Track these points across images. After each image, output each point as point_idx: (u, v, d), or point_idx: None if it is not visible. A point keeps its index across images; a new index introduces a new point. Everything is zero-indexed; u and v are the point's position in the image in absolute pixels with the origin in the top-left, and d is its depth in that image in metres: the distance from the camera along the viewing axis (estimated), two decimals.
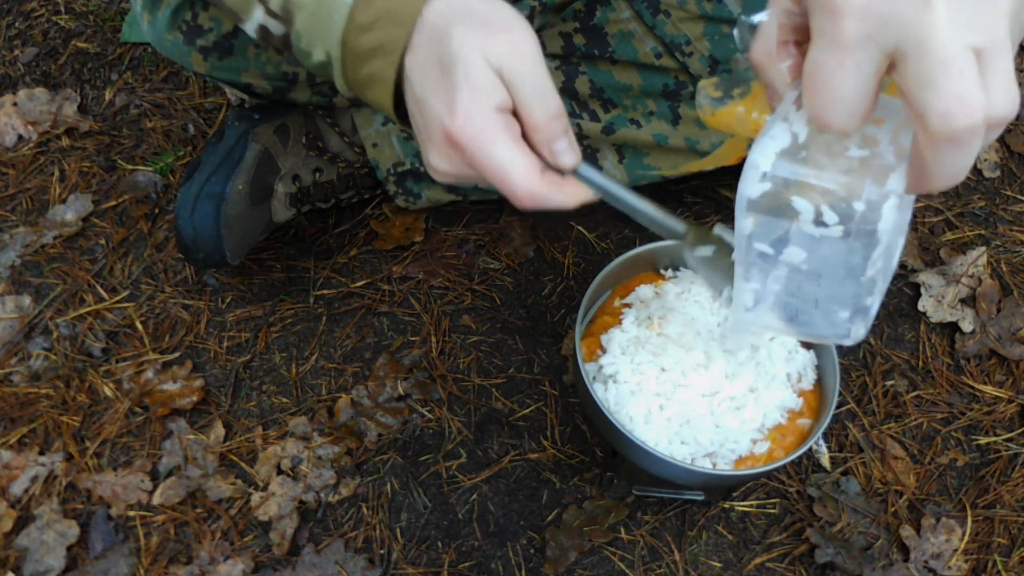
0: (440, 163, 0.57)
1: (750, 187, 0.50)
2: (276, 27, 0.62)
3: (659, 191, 1.17)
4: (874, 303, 0.55)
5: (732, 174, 1.20)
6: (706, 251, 0.66)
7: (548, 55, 0.96)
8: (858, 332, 0.57)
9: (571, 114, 0.97)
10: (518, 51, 0.54)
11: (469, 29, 0.54)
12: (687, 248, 0.66)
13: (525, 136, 0.57)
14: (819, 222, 0.49)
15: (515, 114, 0.56)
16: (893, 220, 0.47)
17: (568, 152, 0.57)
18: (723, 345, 0.77)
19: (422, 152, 0.60)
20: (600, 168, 0.80)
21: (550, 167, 0.57)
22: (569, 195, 0.58)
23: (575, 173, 0.59)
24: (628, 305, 0.82)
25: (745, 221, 0.52)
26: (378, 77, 0.58)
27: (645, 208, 0.61)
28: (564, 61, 0.95)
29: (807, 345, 0.81)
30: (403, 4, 0.56)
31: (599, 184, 0.59)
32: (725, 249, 0.66)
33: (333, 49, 0.59)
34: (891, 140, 0.47)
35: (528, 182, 0.55)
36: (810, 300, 0.56)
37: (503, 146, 0.54)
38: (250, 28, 0.65)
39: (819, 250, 0.51)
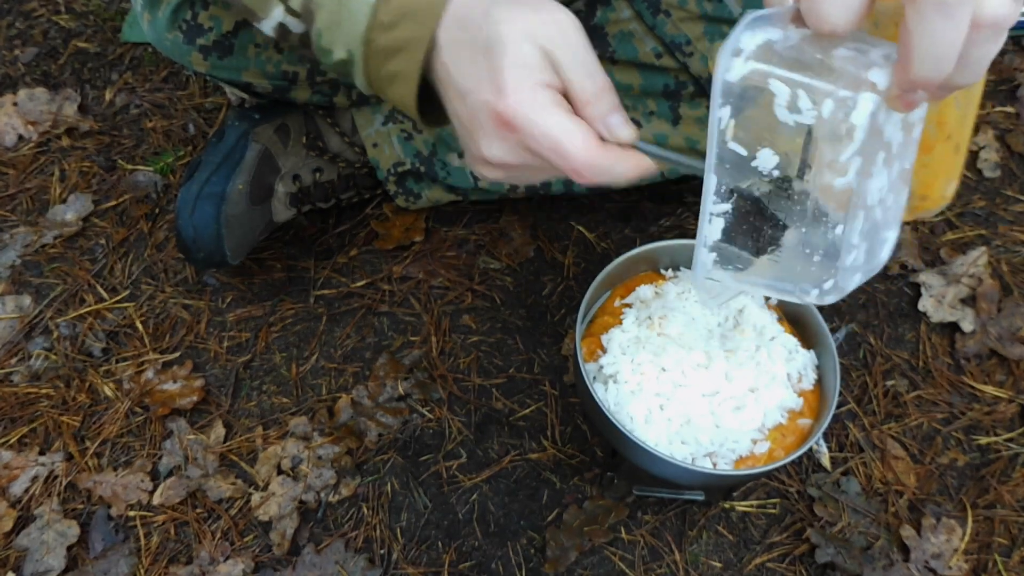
0: (493, 150, 0.55)
1: (729, 70, 0.47)
2: (296, 25, 0.62)
3: (659, 191, 1.17)
4: (849, 246, 0.50)
5: None
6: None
7: None
8: (833, 283, 0.51)
9: None
10: (562, 29, 0.53)
11: (508, 10, 0.53)
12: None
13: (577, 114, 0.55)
14: (793, 107, 0.46)
15: (563, 94, 0.55)
16: (868, 115, 0.44)
17: (624, 126, 0.55)
18: (724, 345, 0.77)
19: (468, 150, 0.58)
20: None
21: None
22: (632, 165, 0.55)
23: (633, 147, 0.56)
24: (628, 305, 0.82)
25: (722, 111, 0.48)
26: (401, 75, 0.57)
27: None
28: None
29: (807, 345, 0.81)
30: (426, 1, 0.55)
31: (660, 154, 0.57)
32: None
33: (355, 47, 0.58)
34: (884, 57, 0.44)
35: (588, 151, 0.53)
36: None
37: (558, 117, 0.53)
38: (267, 26, 0.64)
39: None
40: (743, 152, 0.50)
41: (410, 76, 0.57)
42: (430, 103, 0.61)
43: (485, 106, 0.53)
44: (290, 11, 0.62)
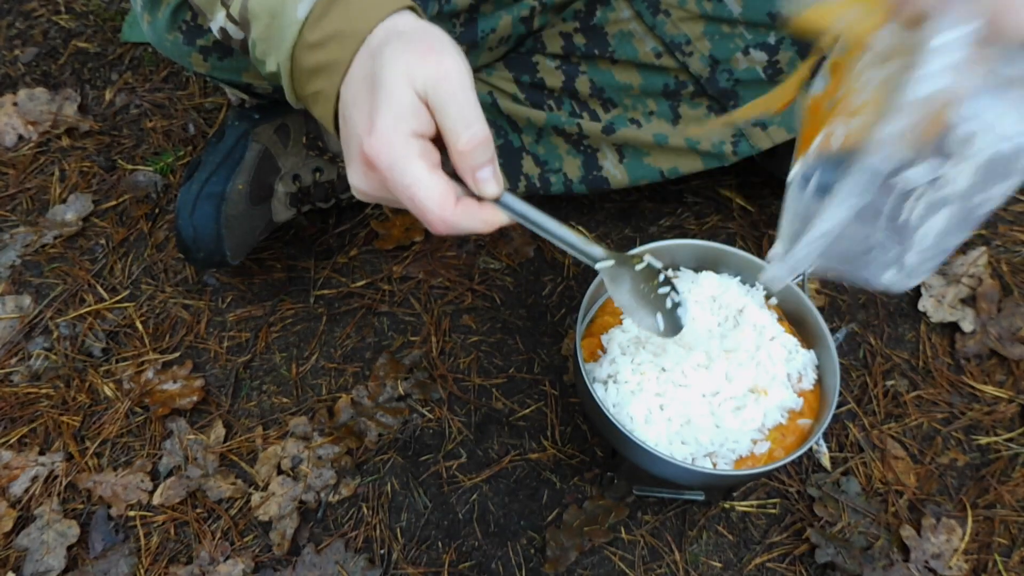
0: (357, 181, 0.57)
1: (926, 80, 0.46)
2: (235, 32, 0.64)
3: (659, 191, 1.17)
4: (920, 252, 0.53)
5: (732, 174, 1.21)
6: (607, 263, 0.65)
7: (549, 55, 0.96)
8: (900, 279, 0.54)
9: (571, 114, 0.98)
10: (445, 75, 0.53)
11: (397, 51, 0.53)
12: (600, 265, 0.66)
13: (451, 162, 0.56)
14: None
15: (438, 141, 0.56)
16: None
17: (491, 181, 0.56)
18: (723, 345, 0.77)
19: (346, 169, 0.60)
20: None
21: (470, 193, 0.57)
22: (484, 221, 0.57)
23: (497, 201, 0.58)
24: None
25: (900, 123, 0.48)
26: (322, 95, 0.58)
27: (565, 235, 0.62)
28: (564, 61, 0.95)
29: (807, 345, 0.81)
30: (351, 26, 0.56)
31: (521, 212, 0.59)
32: (648, 274, 0.67)
33: (283, 63, 0.59)
34: None
35: (442, 208, 0.54)
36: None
37: (418, 171, 0.53)
38: (214, 27, 0.66)
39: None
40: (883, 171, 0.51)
41: (329, 97, 0.57)
42: None
43: (357, 140, 0.54)
44: (230, 18, 0.63)
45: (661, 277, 0.68)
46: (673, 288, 0.69)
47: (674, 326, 0.69)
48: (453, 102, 0.53)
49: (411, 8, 0.57)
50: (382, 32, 0.55)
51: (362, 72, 0.55)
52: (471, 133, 0.54)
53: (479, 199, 0.57)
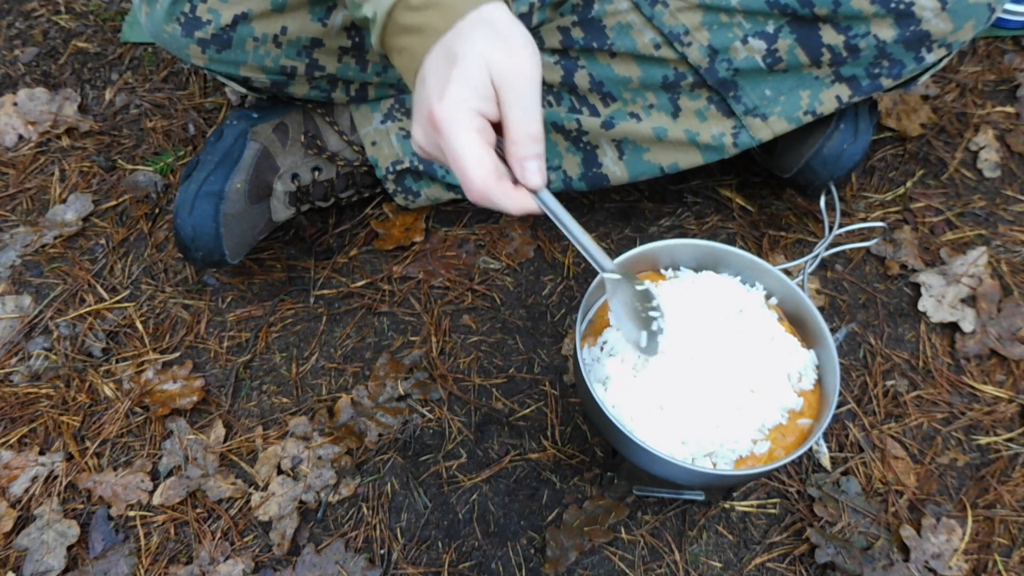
0: (419, 136, 0.64)
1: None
2: None
3: (659, 191, 1.17)
4: None
5: (732, 173, 1.21)
6: (613, 276, 0.72)
7: (547, 50, 0.96)
8: None
9: (571, 109, 0.97)
10: (520, 72, 0.60)
11: (484, 38, 0.60)
12: (606, 275, 0.72)
13: (502, 147, 0.63)
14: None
15: (496, 127, 0.62)
16: None
17: (537, 173, 0.63)
18: (723, 345, 0.77)
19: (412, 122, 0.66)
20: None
21: (512, 179, 0.63)
22: (516, 203, 0.63)
23: (533, 193, 0.64)
24: None
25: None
26: (410, 51, 0.64)
27: (584, 240, 0.69)
28: (563, 55, 0.95)
29: (807, 345, 0.81)
30: (453, 1, 0.62)
31: (551, 207, 0.65)
32: (644, 295, 0.73)
33: (380, 13, 0.65)
34: None
35: (484, 178, 0.60)
36: None
37: (472, 140, 0.60)
38: None
39: None
40: None
41: (417, 55, 0.63)
42: None
43: (427, 102, 0.61)
44: None
45: (655, 302, 0.74)
46: (661, 315, 0.74)
47: (654, 348, 0.74)
48: (521, 98, 0.60)
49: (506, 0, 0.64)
50: (476, 16, 0.61)
51: (447, 46, 0.61)
52: (529, 126, 0.61)
53: (517, 184, 0.63)
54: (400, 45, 0.65)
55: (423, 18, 0.62)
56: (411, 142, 0.68)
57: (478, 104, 0.60)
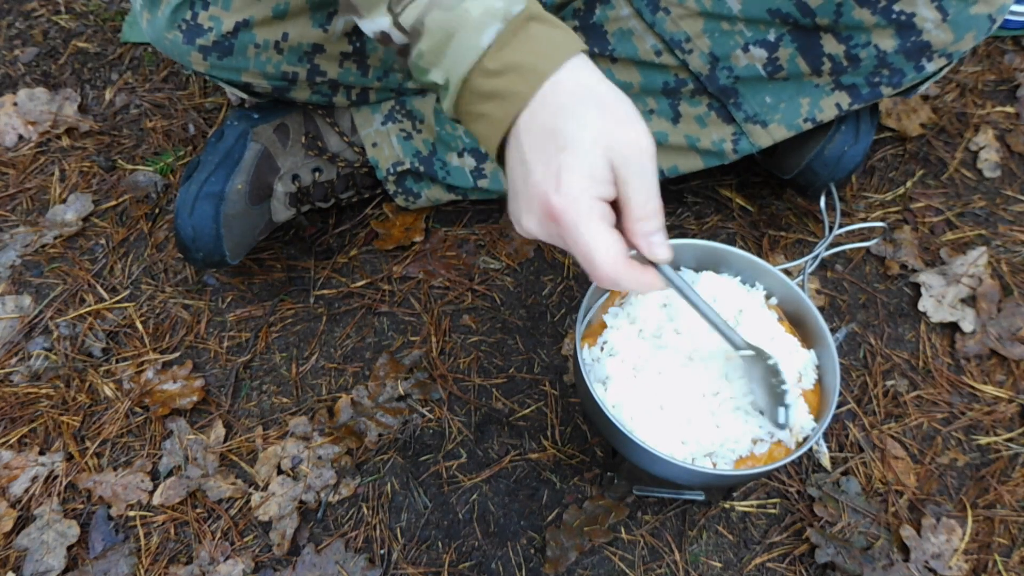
0: (532, 226, 0.61)
1: None
2: (399, 38, 0.63)
3: (659, 191, 1.17)
4: None
5: (732, 173, 1.21)
6: (748, 352, 0.71)
7: None
8: None
9: None
10: (638, 149, 0.57)
11: (593, 115, 0.57)
12: (742, 353, 0.72)
13: (621, 222, 0.60)
14: None
15: (614, 203, 0.59)
16: None
17: (664, 246, 0.61)
18: (724, 345, 0.77)
19: (511, 206, 0.63)
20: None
21: (637, 257, 0.61)
22: (643, 283, 0.61)
23: (657, 267, 0.63)
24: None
25: None
26: (490, 117, 0.60)
27: (712, 315, 0.69)
28: None
29: (807, 345, 0.81)
30: (532, 61, 0.58)
31: (676, 282, 0.65)
32: (775, 371, 0.71)
33: (454, 80, 0.60)
34: None
35: (614, 265, 0.58)
36: None
37: (600, 229, 0.57)
38: (369, 28, 0.65)
39: None
40: None
41: (500, 122, 0.60)
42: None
43: (542, 194, 0.58)
44: (398, 26, 0.62)
45: (783, 375, 0.72)
46: (788, 388, 0.72)
47: (789, 422, 0.72)
48: (640, 175, 0.58)
49: (586, 51, 0.60)
50: (572, 84, 0.58)
51: (545, 123, 0.58)
52: (652, 203, 0.59)
53: (643, 261, 0.62)
54: (478, 111, 0.61)
55: (504, 83, 0.58)
56: (514, 223, 0.63)
57: (599, 191, 0.57)
